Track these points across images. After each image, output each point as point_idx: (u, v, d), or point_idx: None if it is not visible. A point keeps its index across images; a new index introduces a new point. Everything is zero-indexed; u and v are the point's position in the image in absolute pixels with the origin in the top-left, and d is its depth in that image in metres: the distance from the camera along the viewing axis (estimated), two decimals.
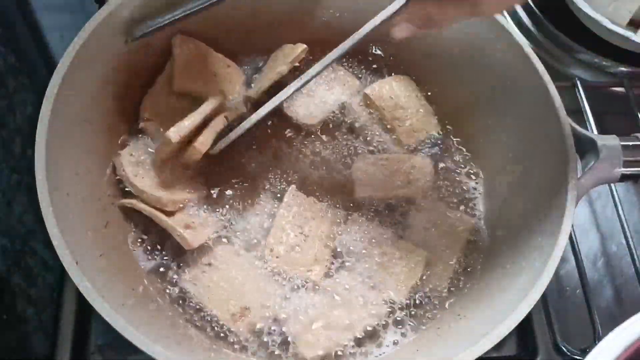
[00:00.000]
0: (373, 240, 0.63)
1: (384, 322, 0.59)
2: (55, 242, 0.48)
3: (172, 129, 0.59)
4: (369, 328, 0.58)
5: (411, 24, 0.50)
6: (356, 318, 0.58)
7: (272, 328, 0.58)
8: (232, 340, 0.57)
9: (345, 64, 0.75)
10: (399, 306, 0.60)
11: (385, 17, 0.55)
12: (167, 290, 0.59)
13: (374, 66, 0.75)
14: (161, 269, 0.60)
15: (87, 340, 0.62)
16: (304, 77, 0.62)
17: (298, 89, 0.63)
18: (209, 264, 0.60)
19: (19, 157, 0.66)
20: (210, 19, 0.69)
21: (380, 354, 0.58)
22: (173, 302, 0.58)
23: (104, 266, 0.53)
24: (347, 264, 0.62)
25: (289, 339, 0.57)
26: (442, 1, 0.46)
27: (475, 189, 0.69)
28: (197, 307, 0.58)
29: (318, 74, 0.62)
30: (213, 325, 0.57)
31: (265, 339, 0.57)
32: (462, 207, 0.67)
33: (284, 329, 0.57)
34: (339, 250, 0.63)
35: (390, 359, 0.57)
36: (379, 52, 0.75)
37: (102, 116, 0.61)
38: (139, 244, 0.61)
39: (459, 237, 0.64)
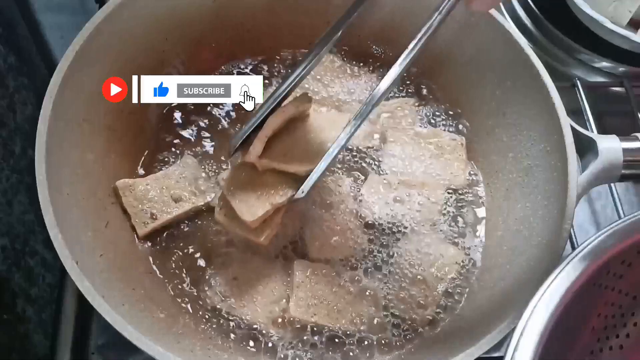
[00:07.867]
0: None
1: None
2: (55, 242, 0.48)
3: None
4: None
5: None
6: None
7: None
8: (233, 339, 0.57)
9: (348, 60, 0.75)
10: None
11: (443, 16, 0.50)
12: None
13: (377, 64, 0.75)
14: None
15: (87, 340, 0.62)
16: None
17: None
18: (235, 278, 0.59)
19: (19, 157, 0.66)
20: (209, 20, 0.69)
21: (379, 355, 0.58)
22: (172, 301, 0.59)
23: (104, 266, 0.53)
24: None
25: None
26: None
27: (474, 189, 0.69)
28: (197, 305, 0.58)
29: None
30: (212, 324, 0.57)
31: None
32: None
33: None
34: None
35: None
36: (379, 50, 0.75)
37: (102, 116, 0.61)
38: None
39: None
